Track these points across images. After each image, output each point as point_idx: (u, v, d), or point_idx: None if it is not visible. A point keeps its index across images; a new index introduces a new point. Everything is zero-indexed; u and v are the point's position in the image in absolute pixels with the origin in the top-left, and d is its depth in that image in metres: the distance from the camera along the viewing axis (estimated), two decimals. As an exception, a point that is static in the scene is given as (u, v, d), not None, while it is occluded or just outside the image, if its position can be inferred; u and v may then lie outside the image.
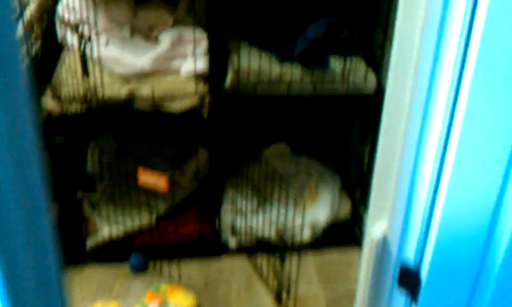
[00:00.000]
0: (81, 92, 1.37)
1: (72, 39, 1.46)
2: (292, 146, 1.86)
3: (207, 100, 1.40)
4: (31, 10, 1.43)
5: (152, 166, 1.71)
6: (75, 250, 1.61)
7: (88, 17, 1.37)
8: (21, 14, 1.35)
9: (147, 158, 1.74)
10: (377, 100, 1.51)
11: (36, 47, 1.41)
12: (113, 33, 1.49)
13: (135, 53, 1.43)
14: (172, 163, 1.76)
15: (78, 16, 1.39)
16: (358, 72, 1.49)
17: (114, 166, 1.70)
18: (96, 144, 1.69)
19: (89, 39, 1.38)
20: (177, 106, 1.41)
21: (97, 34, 1.45)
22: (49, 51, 1.47)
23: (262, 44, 1.51)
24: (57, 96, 1.36)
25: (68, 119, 1.41)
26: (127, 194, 1.63)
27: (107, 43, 1.45)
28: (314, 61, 1.47)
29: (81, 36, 1.38)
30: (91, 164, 1.67)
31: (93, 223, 1.61)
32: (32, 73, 1.45)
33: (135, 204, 1.63)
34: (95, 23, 1.43)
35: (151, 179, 1.37)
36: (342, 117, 1.86)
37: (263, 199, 1.67)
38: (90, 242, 1.59)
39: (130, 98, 1.40)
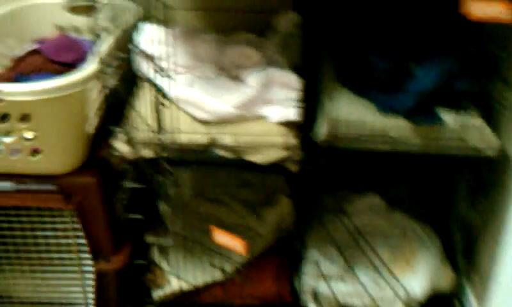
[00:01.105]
0: (156, 136, 1.24)
1: (148, 76, 1.33)
2: (386, 199, 1.65)
3: (297, 155, 1.22)
4: (109, 43, 1.32)
5: (229, 208, 1.57)
6: (141, 299, 1.49)
7: (168, 53, 1.23)
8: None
9: (224, 200, 1.60)
10: (496, 164, 1.29)
11: (112, 82, 1.30)
12: (195, 71, 1.35)
13: (218, 95, 1.27)
14: (251, 208, 1.60)
15: (158, 51, 1.26)
16: (474, 129, 1.26)
17: (189, 208, 1.57)
18: (170, 184, 1.56)
19: (168, 77, 1.24)
20: (262, 157, 1.24)
21: (177, 71, 1.32)
22: (125, 88, 1.35)
23: (361, 90, 1.32)
24: (130, 141, 1.23)
25: (142, 162, 1.29)
26: (199, 241, 1.49)
27: (187, 83, 1.31)
28: (423, 114, 1.26)
29: (159, 74, 1.25)
30: (163, 207, 1.54)
31: (160, 271, 1.48)
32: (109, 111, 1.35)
33: (207, 253, 1.49)
34: (176, 60, 1.30)
35: (226, 240, 1.22)
36: (448, 175, 1.63)
37: (350, 262, 1.47)
38: (158, 293, 1.46)
39: (209, 146, 1.25)
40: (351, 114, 1.25)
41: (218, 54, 1.40)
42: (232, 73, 1.39)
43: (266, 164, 1.25)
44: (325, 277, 1.42)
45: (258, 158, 1.24)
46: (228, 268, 1.46)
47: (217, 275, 1.46)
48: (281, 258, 1.51)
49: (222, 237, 1.23)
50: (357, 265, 1.46)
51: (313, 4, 1.27)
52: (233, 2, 1.57)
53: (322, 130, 1.25)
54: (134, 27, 1.41)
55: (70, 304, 1.43)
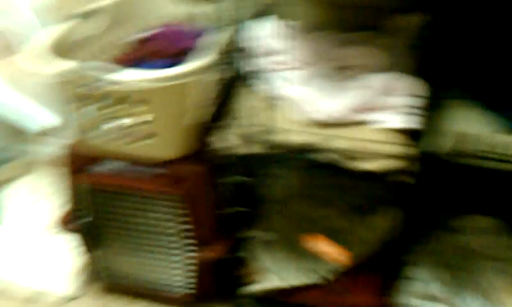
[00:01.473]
0: (265, 132, 1.22)
1: (262, 70, 1.31)
2: (504, 222, 1.52)
3: (415, 167, 1.15)
4: (228, 34, 1.31)
5: (332, 210, 1.52)
6: (235, 291, 1.49)
7: (283, 48, 1.20)
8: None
9: (327, 202, 1.55)
10: None
11: (227, 74, 1.30)
12: (310, 69, 1.31)
13: (333, 96, 1.23)
14: (356, 212, 1.54)
15: (272, 46, 1.24)
16: None
17: (290, 207, 1.54)
18: (274, 181, 1.54)
19: (282, 73, 1.22)
20: (375, 165, 1.19)
21: (291, 68, 1.29)
22: (239, 80, 1.34)
23: (492, 104, 1.21)
24: (240, 135, 1.23)
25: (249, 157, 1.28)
26: (299, 242, 1.46)
27: (302, 80, 1.28)
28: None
29: (273, 69, 1.23)
30: (266, 203, 1.53)
31: (257, 266, 1.47)
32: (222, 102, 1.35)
33: (306, 254, 1.45)
34: (291, 56, 1.27)
35: (329, 249, 1.17)
36: None
37: (458, 284, 1.38)
38: (253, 288, 1.45)
39: (319, 147, 1.21)
40: (480, 128, 1.16)
41: (335, 52, 1.35)
42: (349, 73, 1.33)
43: (378, 173, 1.19)
44: (432, 298, 1.34)
45: (371, 165, 1.19)
46: (328, 273, 1.42)
47: (315, 279, 1.42)
48: (382, 270, 1.44)
49: (324, 245, 1.19)
50: (465, 288, 1.36)
51: (444, 6, 1.19)
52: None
53: (445, 142, 1.17)
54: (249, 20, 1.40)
55: (171, 285, 1.46)
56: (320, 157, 1.20)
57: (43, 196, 1.89)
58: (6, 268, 1.62)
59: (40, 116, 1.70)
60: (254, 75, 1.36)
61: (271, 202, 1.52)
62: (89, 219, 1.39)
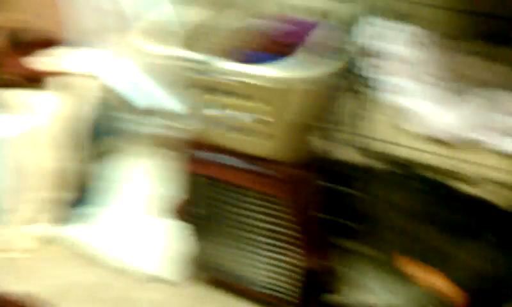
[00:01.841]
0: (376, 144, 1.23)
1: (374, 77, 1.30)
2: None
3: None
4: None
5: (432, 228, 1.45)
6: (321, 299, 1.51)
7: (399, 55, 1.19)
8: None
9: (429, 219, 1.51)
10: None
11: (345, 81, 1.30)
12: (424, 80, 1.28)
13: (448, 112, 1.21)
14: (456, 234, 1.49)
15: (386, 51, 1.23)
16: None
17: (390, 223, 1.52)
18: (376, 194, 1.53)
19: (395, 81, 1.20)
20: (480, 190, 1.16)
21: (405, 77, 1.27)
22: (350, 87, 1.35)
23: None
24: (347, 144, 1.24)
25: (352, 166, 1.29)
26: (396, 260, 1.44)
27: (414, 92, 1.25)
28: None
29: (386, 77, 1.21)
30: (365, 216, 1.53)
31: (350, 279, 1.47)
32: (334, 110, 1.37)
33: (403, 276, 1.43)
34: (406, 64, 1.25)
35: (429, 278, 1.15)
36: None
37: None
38: (343, 300, 1.47)
39: (425, 165, 1.20)
40: None
41: (459, 63, 1.29)
42: (469, 87, 1.27)
43: (486, 199, 1.17)
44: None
45: (480, 191, 1.16)
46: (423, 299, 1.39)
47: (409, 302, 1.40)
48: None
49: (421, 270, 1.16)
50: None
51: None
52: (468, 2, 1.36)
53: None
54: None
55: (266, 286, 1.50)
56: (428, 174, 1.19)
57: (148, 176, 1.92)
58: (113, 246, 1.71)
59: (153, 94, 1.74)
60: (375, 82, 1.33)
61: (372, 216, 1.52)
62: (202, 209, 1.46)
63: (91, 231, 1.76)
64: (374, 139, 1.22)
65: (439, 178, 1.20)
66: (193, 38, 1.47)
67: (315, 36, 1.29)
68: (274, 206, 1.36)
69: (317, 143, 1.36)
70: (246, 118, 1.28)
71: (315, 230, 1.39)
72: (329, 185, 1.37)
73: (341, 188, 1.36)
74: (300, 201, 1.35)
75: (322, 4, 1.44)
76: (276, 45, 1.53)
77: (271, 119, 1.26)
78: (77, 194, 1.83)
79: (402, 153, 1.21)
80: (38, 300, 1.14)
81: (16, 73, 1.71)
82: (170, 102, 1.64)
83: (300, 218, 1.37)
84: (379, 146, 1.21)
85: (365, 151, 1.24)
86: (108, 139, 2.04)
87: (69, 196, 1.81)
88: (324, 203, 1.41)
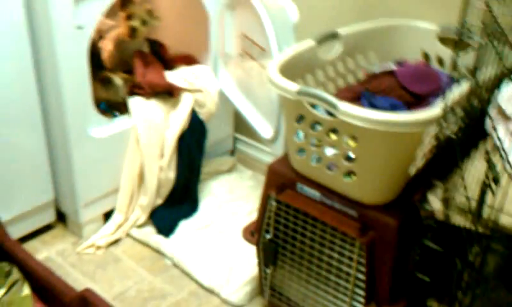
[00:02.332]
0: (475, 207, 1.08)
1: (496, 138, 1.16)
2: None
3: None
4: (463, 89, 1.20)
5: None
6: None
7: None
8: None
9: None
10: None
11: (450, 131, 1.18)
12: None
13: None
14: None
15: None
16: None
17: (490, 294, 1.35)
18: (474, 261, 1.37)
19: None
20: None
21: None
22: (462, 141, 1.21)
23: None
24: (445, 200, 1.11)
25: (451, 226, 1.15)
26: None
27: None
28: None
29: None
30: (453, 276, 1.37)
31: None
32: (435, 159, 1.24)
33: None
34: None
35: None
36: None
37: None
38: None
39: None
40: None
41: None
42: None
43: None
44: None
45: None
46: None
47: None
48: None
49: None
50: None
51: None
52: None
53: None
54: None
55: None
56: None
57: (239, 197, 1.98)
58: (186, 255, 1.71)
59: (262, 123, 1.77)
60: (489, 139, 1.20)
61: (459, 278, 1.36)
62: (271, 235, 1.40)
63: (173, 240, 1.77)
64: (480, 202, 1.07)
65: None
66: (306, 74, 1.49)
67: (447, 88, 1.21)
68: (351, 248, 1.27)
69: (415, 193, 1.24)
70: (343, 157, 1.23)
71: (390, 282, 1.26)
72: (420, 239, 1.24)
73: (433, 245, 1.22)
74: (378, 248, 1.23)
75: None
76: (405, 93, 1.49)
77: (368, 163, 1.20)
78: (171, 203, 1.85)
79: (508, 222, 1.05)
80: (98, 298, 1.14)
81: (151, 84, 1.78)
82: (271, 130, 1.68)
83: (376, 266, 1.25)
84: (485, 211, 1.07)
85: (469, 213, 1.10)
86: (219, 158, 2.13)
87: (164, 203, 1.84)
88: (410, 257, 1.28)
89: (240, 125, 2.11)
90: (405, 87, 1.51)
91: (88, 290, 1.18)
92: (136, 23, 1.76)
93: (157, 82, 1.79)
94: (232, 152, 2.22)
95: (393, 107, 1.46)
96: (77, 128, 1.63)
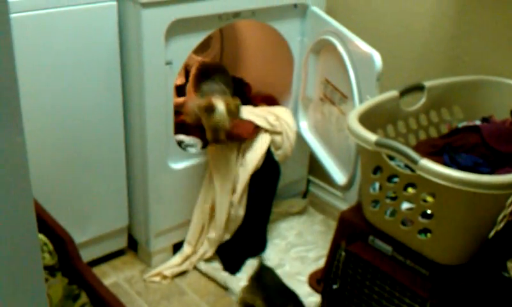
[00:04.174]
0: None
1: None
2: None
3: None
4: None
5: None
6: None
7: None
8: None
9: None
10: None
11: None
12: None
13: None
14: None
15: None
16: None
17: None
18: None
19: None
20: None
21: None
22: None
23: None
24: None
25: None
26: None
27: None
28: None
29: None
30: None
31: None
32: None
33: None
34: None
35: None
36: None
37: None
38: None
39: None
40: None
41: None
42: None
43: None
44: None
45: None
46: None
47: None
48: None
49: None
50: None
51: None
52: None
53: None
54: None
55: None
56: None
57: (308, 241, 1.95)
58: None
59: (337, 169, 1.76)
60: None
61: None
62: (338, 285, 1.36)
63: (239, 278, 1.77)
64: None
65: None
66: (405, 127, 1.48)
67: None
68: (413, 304, 1.22)
69: (492, 256, 1.17)
70: (419, 213, 1.19)
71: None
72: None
73: None
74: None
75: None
76: (490, 152, 1.42)
77: (446, 222, 1.16)
78: (239, 241, 1.86)
79: None
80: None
81: (239, 137, 1.79)
82: (345, 178, 1.65)
83: None
84: None
85: None
86: (292, 200, 2.13)
87: (232, 240, 1.86)
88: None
89: (315, 167, 2.10)
90: (490, 146, 1.45)
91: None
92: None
93: (244, 136, 1.80)
94: (304, 194, 2.21)
95: (476, 166, 1.40)
96: (156, 159, 1.68)
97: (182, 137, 1.82)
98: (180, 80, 2.01)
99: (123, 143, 1.70)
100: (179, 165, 1.74)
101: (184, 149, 1.79)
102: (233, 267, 1.79)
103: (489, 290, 1.19)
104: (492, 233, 1.18)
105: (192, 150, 1.80)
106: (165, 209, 1.76)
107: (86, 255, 1.65)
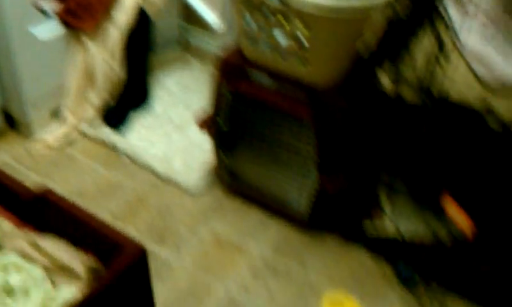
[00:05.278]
0: (425, 80, 1.17)
1: (443, 15, 1.20)
2: None
3: None
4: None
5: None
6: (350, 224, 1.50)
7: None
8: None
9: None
10: None
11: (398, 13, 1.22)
12: (495, 24, 1.17)
13: (507, 57, 1.14)
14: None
15: None
16: None
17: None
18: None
19: (466, 23, 1.11)
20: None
21: (476, 19, 1.18)
22: (412, 22, 1.26)
23: None
24: (395, 78, 1.18)
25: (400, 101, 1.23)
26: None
27: (483, 35, 1.16)
28: None
29: (451, 17, 1.14)
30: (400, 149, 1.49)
31: (379, 210, 1.46)
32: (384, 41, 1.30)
33: (428, 210, 1.41)
34: (479, 5, 1.16)
35: (456, 216, 1.14)
36: None
37: None
38: (370, 228, 1.46)
39: (481, 111, 1.13)
40: None
41: None
42: None
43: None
44: None
45: None
46: (446, 236, 1.38)
47: (431, 238, 1.39)
48: None
49: (454, 211, 1.15)
50: None
51: None
52: None
53: None
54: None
55: (287, 202, 1.49)
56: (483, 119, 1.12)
57: (193, 90, 1.98)
58: (142, 148, 1.73)
59: (208, 13, 1.75)
60: (434, 18, 1.23)
61: (406, 151, 1.48)
62: (226, 124, 1.44)
63: (128, 136, 1.78)
64: (428, 76, 1.14)
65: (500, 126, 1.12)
66: None
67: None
68: (299, 128, 1.34)
69: (363, 74, 1.30)
70: (286, 40, 1.25)
71: (338, 157, 1.36)
72: (368, 116, 1.32)
73: (381, 120, 1.30)
74: (327, 126, 1.30)
75: None
76: None
77: (309, 44, 1.22)
78: (125, 99, 1.85)
79: (462, 97, 1.13)
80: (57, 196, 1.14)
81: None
82: (213, 17, 1.64)
83: (321, 142, 1.33)
84: (432, 85, 1.13)
85: (416, 87, 1.17)
86: (168, 50, 2.09)
87: (117, 99, 1.84)
88: (358, 134, 1.37)
89: (190, 15, 2.07)
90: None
91: (46, 189, 1.15)
92: None
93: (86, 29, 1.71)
94: (181, 42, 2.18)
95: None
96: (16, 25, 1.57)
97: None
98: None
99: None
100: (41, 30, 1.64)
101: (45, 13, 1.69)
102: (119, 125, 1.80)
103: (364, 104, 1.32)
104: (366, 54, 1.29)
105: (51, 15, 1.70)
106: (36, 74, 1.67)
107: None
